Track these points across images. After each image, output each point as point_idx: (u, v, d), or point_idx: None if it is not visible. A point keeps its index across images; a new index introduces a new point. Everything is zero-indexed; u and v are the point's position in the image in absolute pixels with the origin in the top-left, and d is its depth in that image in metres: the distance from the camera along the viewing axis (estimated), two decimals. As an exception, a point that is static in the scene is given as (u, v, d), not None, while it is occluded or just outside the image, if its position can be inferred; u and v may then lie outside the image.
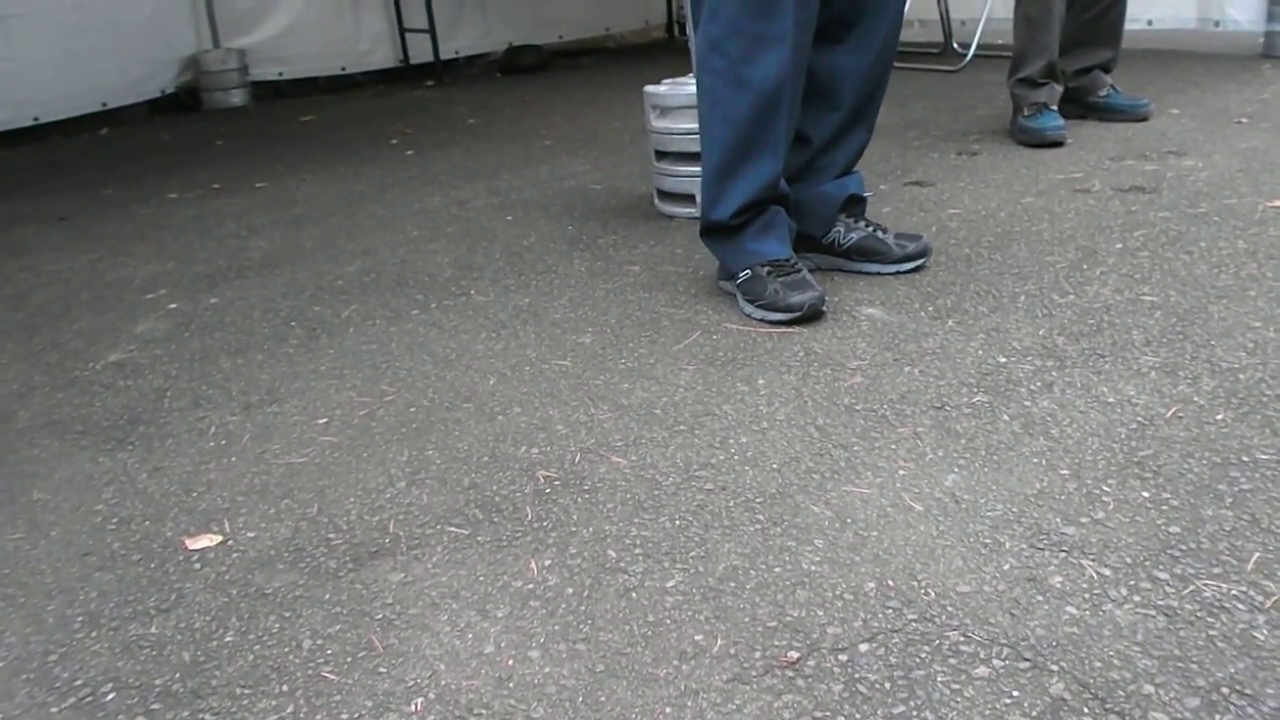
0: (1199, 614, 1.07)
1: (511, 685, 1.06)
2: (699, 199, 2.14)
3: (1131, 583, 1.12)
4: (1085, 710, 0.96)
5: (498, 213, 2.88)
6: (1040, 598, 1.11)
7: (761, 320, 1.91)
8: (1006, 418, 1.50)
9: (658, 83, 2.66)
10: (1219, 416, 1.45)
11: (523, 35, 6.26)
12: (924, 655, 1.04)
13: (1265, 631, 1.04)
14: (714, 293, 2.09)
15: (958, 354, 1.72)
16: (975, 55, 4.54)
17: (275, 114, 5.16)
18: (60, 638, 1.20)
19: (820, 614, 1.12)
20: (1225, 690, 0.96)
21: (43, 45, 4.67)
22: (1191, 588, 1.11)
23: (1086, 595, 1.11)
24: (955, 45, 5.07)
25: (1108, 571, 1.14)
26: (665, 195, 2.69)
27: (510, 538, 1.31)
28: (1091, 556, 1.17)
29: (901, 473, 1.38)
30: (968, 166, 2.91)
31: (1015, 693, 0.99)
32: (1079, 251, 2.14)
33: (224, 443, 1.64)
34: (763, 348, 1.81)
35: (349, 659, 1.12)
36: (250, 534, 1.38)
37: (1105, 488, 1.31)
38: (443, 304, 2.17)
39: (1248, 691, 0.96)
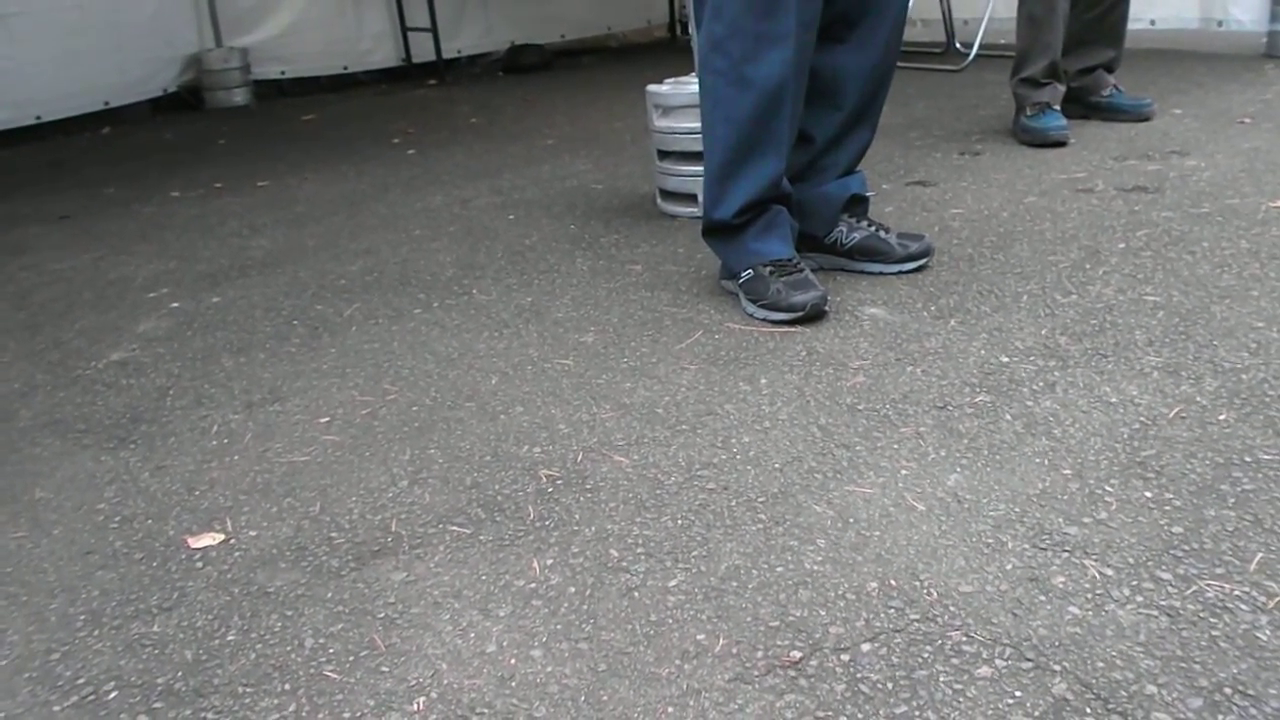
0: (1202, 614, 1.07)
1: (514, 684, 1.06)
2: (701, 198, 2.14)
3: (1134, 583, 1.12)
4: (1088, 711, 0.95)
5: (500, 212, 2.88)
6: (1043, 598, 1.11)
7: (764, 320, 1.91)
8: (1009, 417, 1.50)
9: (660, 82, 2.66)
10: (1221, 417, 1.45)
11: (525, 34, 6.27)
12: (926, 655, 1.04)
13: (1268, 632, 1.03)
14: (716, 292, 2.09)
15: (960, 354, 1.72)
16: (978, 55, 4.54)
17: (277, 113, 5.16)
18: (63, 636, 1.20)
19: (822, 614, 1.12)
20: (1228, 691, 0.96)
21: (44, 44, 4.68)
22: (1194, 588, 1.11)
23: (1089, 595, 1.11)
24: (958, 45, 5.07)
25: (1110, 572, 1.14)
26: (667, 195, 2.69)
27: (512, 537, 1.31)
28: (1094, 556, 1.17)
29: (904, 472, 1.38)
30: (970, 166, 2.91)
31: (1018, 693, 0.98)
32: (1082, 251, 2.14)
33: (226, 441, 1.64)
34: (765, 347, 1.81)
35: (351, 658, 1.12)
36: (252, 533, 1.38)
37: (1108, 488, 1.30)
38: (445, 303, 2.18)
39: (1250, 692, 0.96)
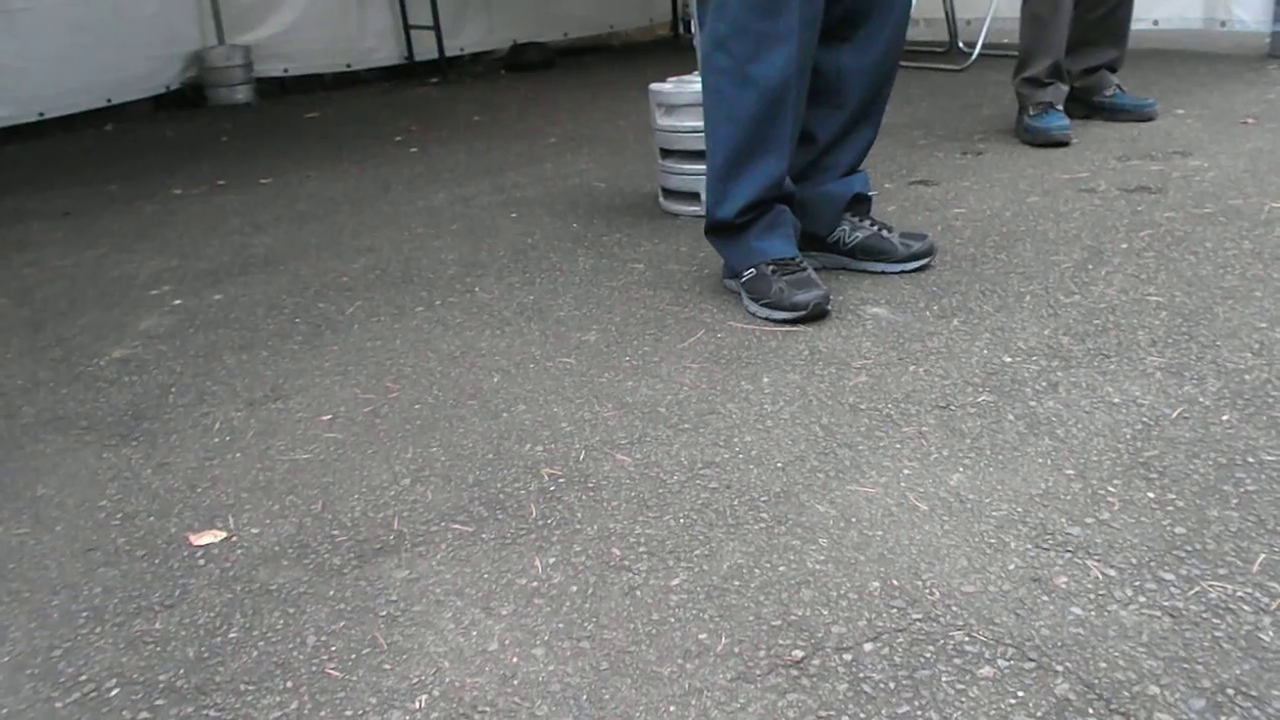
0: (1204, 615, 1.07)
1: (516, 683, 1.06)
2: (704, 197, 2.14)
3: (1137, 583, 1.12)
4: (1090, 711, 0.95)
5: (502, 210, 2.88)
6: (1045, 598, 1.11)
7: (766, 319, 1.91)
8: (1011, 417, 1.50)
9: (663, 80, 2.66)
10: (1224, 417, 1.45)
11: (527, 33, 6.27)
12: (928, 655, 1.04)
13: (1271, 633, 1.03)
14: (719, 291, 2.09)
15: (963, 353, 1.72)
16: (980, 54, 4.54)
17: (280, 110, 5.16)
18: (65, 633, 1.20)
19: (825, 613, 1.12)
20: (1231, 692, 0.96)
21: (48, 40, 4.68)
22: (1197, 589, 1.11)
23: (1092, 596, 1.11)
24: (961, 44, 5.07)
25: (1113, 572, 1.14)
26: (670, 193, 2.69)
27: (514, 535, 1.31)
28: (1097, 557, 1.17)
29: (906, 472, 1.38)
30: (973, 166, 2.91)
31: (1020, 693, 0.98)
32: (1084, 251, 2.14)
33: (228, 439, 1.65)
34: (767, 346, 1.81)
35: (353, 656, 1.12)
36: (254, 530, 1.38)
37: (1110, 488, 1.30)
38: (447, 301, 2.18)
39: (1253, 693, 0.96)
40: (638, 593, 1.18)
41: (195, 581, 1.28)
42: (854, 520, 1.28)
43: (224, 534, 1.37)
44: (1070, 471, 1.35)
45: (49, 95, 4.74)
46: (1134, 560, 1.16)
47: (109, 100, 4.99)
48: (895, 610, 1.11)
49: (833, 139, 2.07)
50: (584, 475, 1.44)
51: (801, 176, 2.07)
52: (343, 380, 1.82)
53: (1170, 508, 1.25)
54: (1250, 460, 1.34)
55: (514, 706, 1.02)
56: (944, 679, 1.01)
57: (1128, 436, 1.42)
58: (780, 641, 1.08)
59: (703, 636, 1.10)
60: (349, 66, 5.79)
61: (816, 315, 1.89)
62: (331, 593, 1.23)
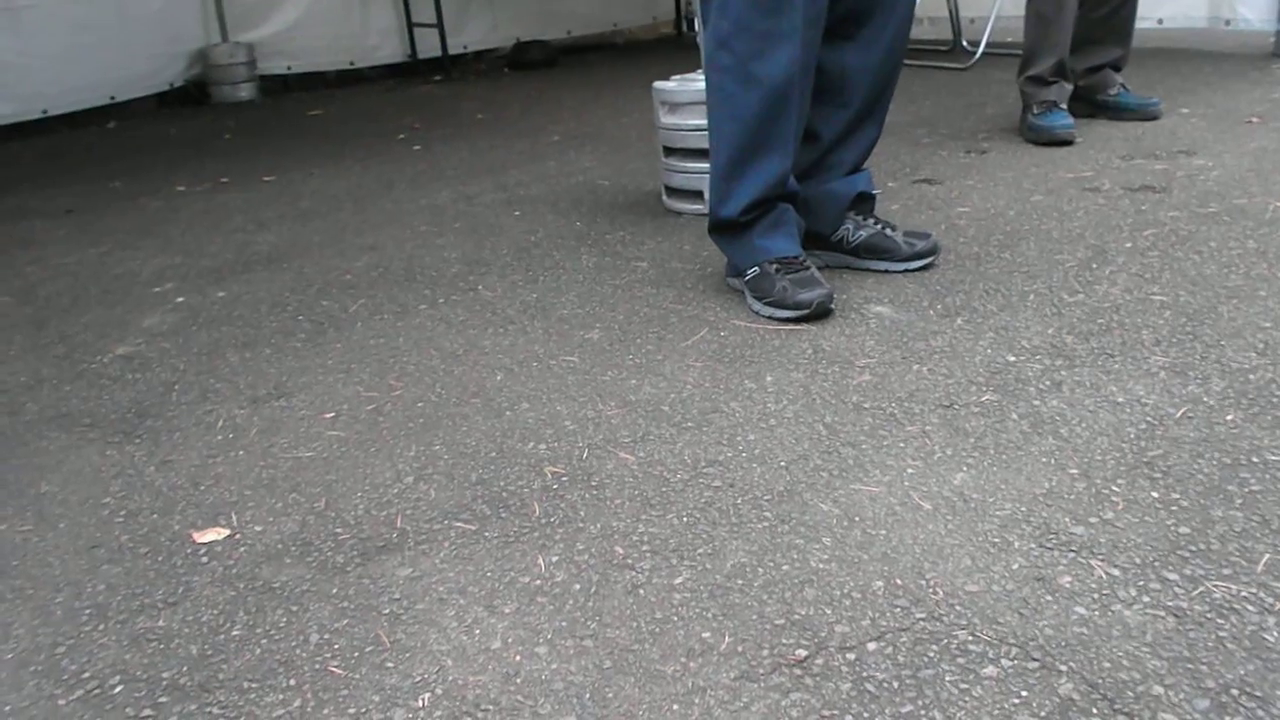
0: (1209, 615, 1.06)
1: (519, 681, 1.06)
2: (707, 195, 2.14)
3: (1141, 583, 1.12)
4: (1094, 711, 0.95)
5: (505, 208, 2.88)
6: (1049, 598, 1.11)
7: (770, 317, 1.91)
8: (1015, 417, 1.50)
9: (666, 79, 2.66)
10: (1229, 417, 1.45)
11: (531, 31, 6.26)
12: (932, 654, 1.04)
13: (1275, 633, 1.03)
14: (722, 289, 2.09)
15: (966, 352, 1.71)
16: (984, 53, 4.53)
17: (283, 108, 5.16)
18: (68, 630, 1.20)
19: (828, 612, 1.12)
20: (1235, 692, 0.96)
21: (51, 38, 4.68)
22: (1201, 589, 1.10)
23: (1095, 595, 1.11)
24: (964, 43, 5.06)
25: (1117, 572, 1.14)
26: (673, 191, 2.69)
27: (518, 533, 1.31)
28: (1101, 557, 1.17)
29: (910, 471, 1.38)
30: (977, 164, 2.90)
31: (1024, 693, 0.98)
32: (1088, 250, 2.14)
33: (231, 436, 1.65)
34: (771, 345, 1.81)
35: (356, 654, 1.12)
36: (258, 528, 1.38)
37: (1114, 488, 1.30)
38: (450, 299, 2.17)
39: (1258, 693, 0.96)
40: (641, 591, 1.18)
41: (198, 579, 1.28)
42: (857, 519, 1.28)
43: (227, 531, 1.37)
44: (1074, 471, 1.35)
45: (52, 92, 4.74)
46: (1138, 560, 1.16)
47: (112, 98, 5.00)
48: (899, 609, 1.11)
49: (837, 137, 2.06)
50: (587, 474, 1.44)
51: (805, 175, 2.07)
52: (346, 378, 1.82)
53: (1174, 507, 1.25)
54: (1255, 460, 1.33)
55: (517, 705, 1.02)
56: (947, 678, 1.01)
57: (1132, 436, 1.42)
58: (783, 641, 1.08)
59: (706, 635, 1.10)
60: (352, 64, 5.79)
61: (820, 314, 1.88)
62: (334, 591, 1.23)
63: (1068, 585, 1.13)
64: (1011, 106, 3.41)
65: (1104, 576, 1.13)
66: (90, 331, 2.17)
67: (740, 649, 1.07)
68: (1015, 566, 1.17)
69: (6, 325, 2.26)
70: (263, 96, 5.43)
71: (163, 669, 1.12)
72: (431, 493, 1.42)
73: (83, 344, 2.10)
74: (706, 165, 2.09)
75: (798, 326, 1.87)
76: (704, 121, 2.07)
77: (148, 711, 1.06)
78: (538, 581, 1.21)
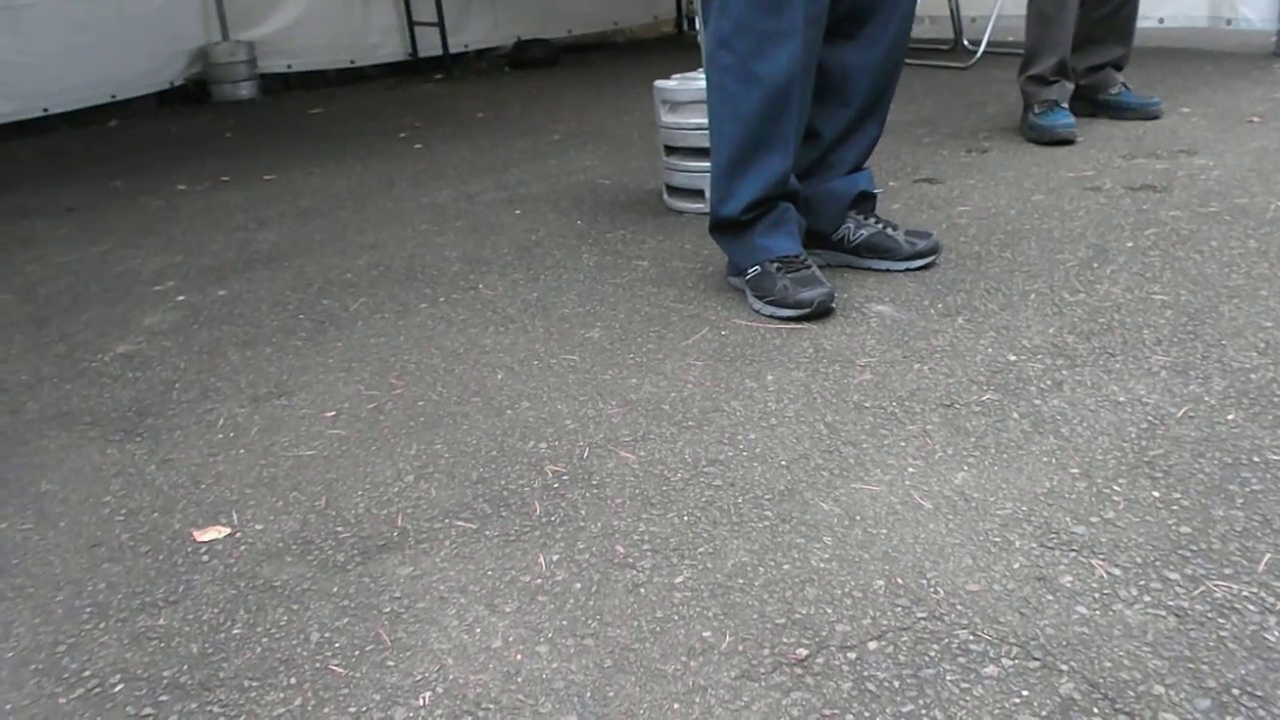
0: (1210, 615, 1.06)
1: (519, 680, 1.06)
2: (708, 194, 2.14)
3: (1142, 583, 1.12)
4: (1095, 710, 0.95)
5: (506, 207, 2.88)
6: (1050, 597, 1.11)
7: (770, 316, 1.91)
8: (1016, 416, 1.50)
9: (667, 77, 2.66)
10: (1230, 416, 1.45)
11: (531, 29, 6.26)
12: (933, 654, 1.04)
13: (1276, 633, 1.03)
14: (723, 288, 2.09)
15: (967, 352, 1.71)
16: (985, 52, 4.53)
17: (284, 107, 5.16)
18: (69, 629, 1.20)
19: (829, 611, 1.12)
20: (1236, 691, 0.96)
21: (52, 36, 4.68)
22: (1202, 588, 1.10)
23: (1096, 595, 1.11)
24: (965, 42, 5.05)
25: (1118, 571, 1.14)
26: (674, 190, 2.69)
27: (518, 532, 1.31)
28: (1101, 556, 1.17)
29: (911, 470, 1.38)
30: (978, 164, 2.90)
31: (1025, 692, 0.98)
32: (1089, 250, 2.14)
33: (232, 435, 1.65)
34: (772, 344, 1.81)
35: (357, 652, 1.12)
36: (258, 526, 1.38)
37: (1115, 487, 1.30)
38: (451, 298, 2.17)
39: (1259, 693, 0.96)
40: (641, 590, 1.18)
41: (199, 578, 1.28)
42: (858, 518, 1.28)
43: (228, 530, 1.37)
44: (1075, 470, 1.34)
45: (53, 91, 4.74)
46: (1139, 559, 1.16)
47: (113, 96, 5.00)
48: (900, 609, 1.11)
49: (838, 136, 2.06)
50: (588, 472, 1.44)
51: (806, 174, 2.07)
52: (346, 377, 1.82)
53: (1175, 507, 1.25)
54: (1256, 459, 1.33)
55: (518, 704, 1.02)
56: (948, 678, 1.01)
57: (1133, 435, 1.42)
58: (784, 640, 1.08)
59: (707, 634, 1.10)
60: (353, 63, 5.79)
61: (821, 313, 1.88)
62: (335, 589, 1.23)
63: (1069, 585, 1.13)
64: (1012, 106, 3.41)
65: (1105, 576, 1.13)
66: (91, 330, 2.17)
67: (741, 648, 1.07)
68: (1016, 566, 1.17)
69: (7, 323, 2.26)
70: (263, 95, 5.43)
71: (163, 667, 1.12)
72: (432, 491, 1.42)
73: (83, 342, 2.10)
74: (707, 164, 2.09)
75: (799, 325, 1.87)
76: (705, 120, 2.07)
77: (148, 710, 1.06)
78: (538, 580, 1.21)
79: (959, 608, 1.10)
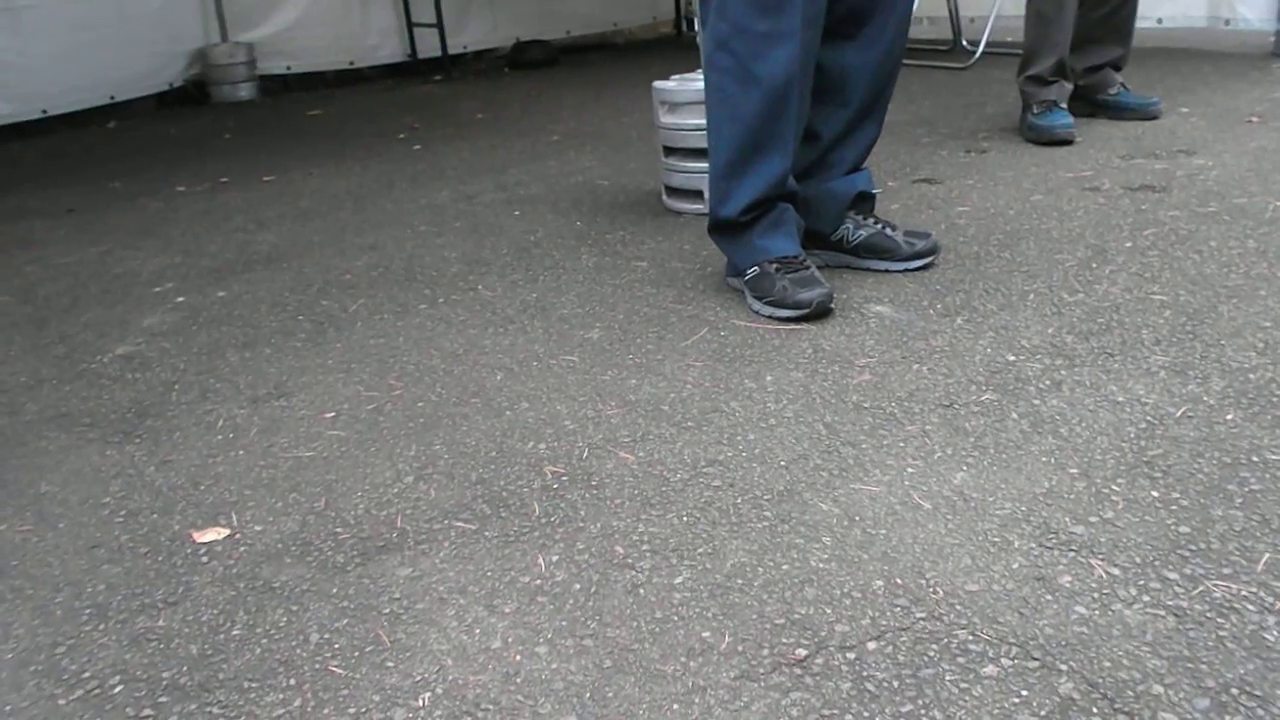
0: (1209, 614, 1.06)
1: (519, 681, 1.06)
2: (707, 195, 2.14)
3: (1141, 583, 1.12)
4: (1094, 710, 0.95)
5: (505, 208, 2.88)
6: (1049, 597, 1.11)
7: (769, 317, 1.91)
8: (1015, 416, 1.50)
9: (666, 78, 2.66)
10: (1229, 416, 1.45)
11: (530, 31, 6.26)
12: (932, 654, 1.04)
13: (1275, 633, 1.03)
14: (722, 289, 2.09)
15: (966, 352, 1.71)
16: (984, 52, 4.53)
17: (283, 108, 5.16)
18: (68, 630, 1.20)
19: (828, 612, 1.12)
20: (1235, 691, 0.96)
21: (51, 38, 4.68)
22: (1201, 588, 1.10)
23: (1095, 595, 1.11)
24: (964, 42, 5.06)
25: (1117, 571, 1.14)
26: (673, 191, 2.69)
27: (518, 533, 1.31)
28: (1100, 556, 1.17)
29: (910, 471, 1.38)
30: (977, 164, 2.90)
31: (1024, 692, 0.98)
32: (1088, 250, 2.14)
33: (231, 436, 1.65)
34: (771, 345, 1.81)
35: (356, 653, 1.12)
36: (258, 527, 1.38)
37: (1114, 487, 1.30)
38: (450, 299, 2.17)
39: (1258, 693, 0.96)
40: (641, 591, 1.18)
41: (198, 579, 1.28)
42: (857, 519, 1.28)
43: (227, 531, 1.37)
44: (1074, 470, 1.35)
45: (52, 92, 4.74)
46: (1138, 559, 1.16)
47: (112, 97, 4.99)
48: (899, 609, 1.11)
49: (836, 137, 2.06)
50: (587, 473, 1.44)
51: (805, 174, 2.07)
52: (346, 378, 1.82)
53: (1174, 507, 1.25)
54: (1255, 459, 1.34)
55: (517, 704, 1.02)
56: (947, 678, 1.01)
57: (1132, 435, 1.42)
58: (784, 640, 1.08)
59: (706, 635, 1.10)
60: (352, 64, 5.79)
61: (820, 313, 1.88)
62: (334, 590, 1.23)
63: (1068, 585, 1.13)
64: (1011, 106, 3.41)
65: (1104, 576, 1.13)
66: (90, 331, 2.17)
67: (740, 648, 1.07)
68: (1015, 566, 1.17)
69: (6, 325, 2.26)
70: (262, 96, 5.43)
71: (163, 669, 1.12)
72: (431, 492, 1.42)
73: (83, 344, 2.10)
74: (706, 165, 2.09)
75: (798, 326, 1.87)
76: (704, 121, 2.07)
77: (148, 711, 1.06)
78: (538, 581, 1.21)
79: (958, 608, 1.10)
